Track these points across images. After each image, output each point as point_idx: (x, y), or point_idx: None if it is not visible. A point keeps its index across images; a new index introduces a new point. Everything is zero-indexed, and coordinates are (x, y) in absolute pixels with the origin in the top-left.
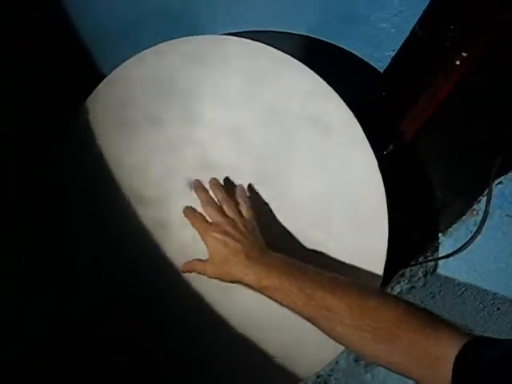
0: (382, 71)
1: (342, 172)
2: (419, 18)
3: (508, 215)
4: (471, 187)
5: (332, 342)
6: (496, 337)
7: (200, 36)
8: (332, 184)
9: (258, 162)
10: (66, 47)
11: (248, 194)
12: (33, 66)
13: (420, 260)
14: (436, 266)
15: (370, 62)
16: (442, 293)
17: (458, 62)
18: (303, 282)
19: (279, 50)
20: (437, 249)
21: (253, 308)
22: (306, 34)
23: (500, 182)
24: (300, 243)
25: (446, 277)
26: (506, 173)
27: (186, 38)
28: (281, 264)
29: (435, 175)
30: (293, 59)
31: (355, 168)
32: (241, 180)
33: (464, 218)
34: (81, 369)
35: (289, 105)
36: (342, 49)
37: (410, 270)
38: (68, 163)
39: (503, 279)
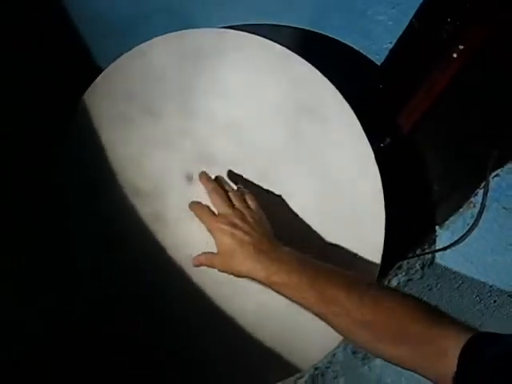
0: (379, 64)
1: (339, 165)
2: (416, 11)
3: (505, 208)
4: (468, 180)
5: (330, 334)
6: (493, 329)
7: (197, 29)
8: (329, 177)
9: (255, 155)
10: (66, 46)
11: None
12: (33, 66)
13: (417, 252)
14: (433, 259)
15: (368, 55)
16: (439, 285)
17: (454, 55)
18: (314, 278)
19: (276, 42)
20: (434, 241)
21: (251, 301)
22: (303, 27)
23: (497, 175)
24: (298, 236)
25: (443, 269)
26: (502, 165)
27: (184, 31)
28: (292, 259)
29: (432, 168)
30: (290, 52)
31: (352, 161)
32: (238, 172)
33: (461, 210)
34: (81, 369)
35: (286, 98)
36: (339, 41)
37: (408, 263)
38: (66, 158)
39: (500, 272)
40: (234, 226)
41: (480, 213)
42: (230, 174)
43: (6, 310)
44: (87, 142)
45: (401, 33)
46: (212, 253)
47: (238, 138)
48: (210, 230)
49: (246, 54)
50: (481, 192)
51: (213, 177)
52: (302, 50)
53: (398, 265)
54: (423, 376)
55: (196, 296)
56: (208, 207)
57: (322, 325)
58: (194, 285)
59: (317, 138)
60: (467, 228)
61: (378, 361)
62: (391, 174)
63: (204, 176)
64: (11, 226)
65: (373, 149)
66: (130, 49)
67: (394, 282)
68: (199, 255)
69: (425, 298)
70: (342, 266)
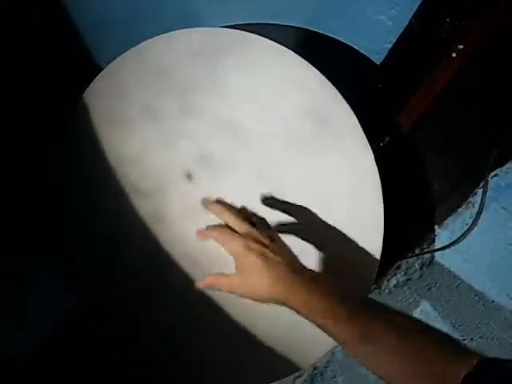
0: (378, 63)
1: (339, 164)
2: (416, 11)
3: (504, 208)
4: (467, 180)
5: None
6: (491, 328)
7: (197, 28)
8: (328, 176)
9: (254, 155)
10: (66, 46)
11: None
12: (33, 66)
13: (416, 252)
14: (432, 258)
15: (367, 55)
16: (437, 285)
17: (454, 55)
18: (353, 308)
19: (276, 42)
20: (433, 241)
21: (250, 301)
22: (303, 27)
23: (496, 175)
24: (297, 236)
25: (442, 269)
26: (501, 165)
27: (183, 30)
28: (328, 283)
29: (431, 168)
30: (290, 52)
31: (351, 160)
32: (238, 172)
33: (460, 210)
34: (81, 368)
35: (286, 97)
36: (338, 41)
37: (407, 262)
38: (66, 158)
39: (499, 271)
40: (263, 244)
41: (479, 213)
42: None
43: (5, 310)
44: (87, 142)
45: (400, 33)
46: (225, 274)
47: (238, 138)
48: (232, 251)
49: (246, 53)
50: (480, 192)
51: (214, 178)
52: (301, 50)
53: (397, 264)
54: None
55: (195, 295)
56: (228, 227)
57: None
58: (193, 282)
59: (316, 138)
60: (466, 228)
61: None
62: (390, 174)
63: (208, 201)
64: (11, 226)
65: (372, 148)
66: (129, 48)
67: (393, 282)
68: (209, 277)
69: (424, 298)
70: (342, 265)
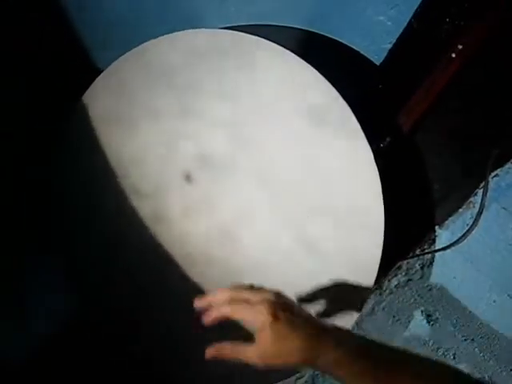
0: (378, 64)
1: (338, 165)
2: (415, 11)
3: (504, 208)
4: (467, 180)
5: None
6: (492, 328)
7: (197, 30)
8: (328, 177)
9: (254, 155)
10: (66, 46)
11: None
12: (33, 66)
13: (417, 253)
14: (433, 259)
15: (367, 55)
16: (438, 285)
17: (453, 55)
18: (378, 362)
19: (276, 43)
20: (434, 241)
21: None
22: (303, 28)
23: (496, 175)
24: (296, 236)
25: (442, 269)
26: (502, 165)
27: (183, 31)
28: (348, 334)
29: (432, 168)
30: (289, 52)
31: (351, 161)
32: (237, 173)
33: (460, 210)
34: (81, 369)
35: (285, 98)
36: (338, 42)
37: (407, 263)
38: (66, 158)
39: (500, 271)
40: (285, 308)
41: (479, 213)
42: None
43: (6, 310)
44: (87, 142)
45: (400, 33)
46: (242, 343)
47: (237, 138)
48: (258, 323)
49: (247, 54)
50: (480, 192)
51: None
52: (301, 51)
53: (397, 265)
54: None
55: (195, 295)
56: (244, 300)
57: None
58: (194, 284)
59: (316, 138)
60: (467, 228)
61: None
62: (391, 174)
63: (212, 294)
64: (11, 226)
65: (372, 149)
66: (129, 49)
67: (394, 282)
68: (222, 346)
69: (424, 299)
70: (342, 266)
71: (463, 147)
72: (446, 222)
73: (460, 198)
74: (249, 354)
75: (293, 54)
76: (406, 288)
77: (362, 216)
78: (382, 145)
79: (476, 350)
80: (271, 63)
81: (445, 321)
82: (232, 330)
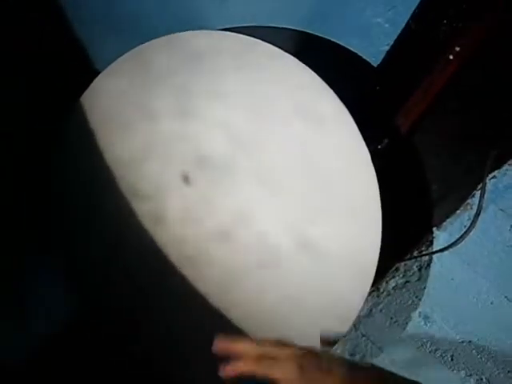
0: (376, 65)
1: (336, 166)
2: (413, 13)
3: (502, 209)
4: (465, 181)
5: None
6: (489, 330)
7: (195, 31)
8: (325, 178)
9: (251, 157)
10: (65, 46)
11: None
12: (33, 66)
13: (414, 254)
14: (430, 261)
15: (364, 57)
16: (436, 287)
17: (451, 57)
18: None
19: (274, 44)
20: (431, 243)
21: (250, 303)
22: (301, 29)
23: (494, 177)
24: (295, 236)
25: (440, 271)
26: (499, 167)
27: (182, 33)
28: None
29: (429, 169)
30: (287, 54)
31: (349, 162)
32: (236, 174)
33: (458, 212)
34: (81, 368)
35: (282, 99)
36: (335, 43)
37: (405, 265)
38: (65, 159)
39: (497, 273)
40: (311, 365)
41: (477, 214)
42: None
43: (6, 310)
44: (86, 143)
45: (398, 35)
46: None
47: (236, 139)
48: (285, 377)
49: (244, 56)
50: (478, 194)
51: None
52: (299, 52)
53: (395, 267)
54: None
55: (195, 296)
56: (271, 357)
57: (319, 327)
58: (193, 285)
59: (313, 140)
60: (464, 230)
61: (376, 362)
62: (388, 176)
63: (237, 343)
64: (11, 225)
65: (370, 150)
66: (128, 50)
67: (391, 284)
68: None
69: (422, 300)
70: (339, 267)
71: (461, 148)
72: (444, 223)
73: (457, 200)
74: None
75: (291, 56)
76: (404, 290)
77: (360, 217)
78: (379, 146)
79: (474, 351)
80: (269, 64)
81: (442, 322)
82: None
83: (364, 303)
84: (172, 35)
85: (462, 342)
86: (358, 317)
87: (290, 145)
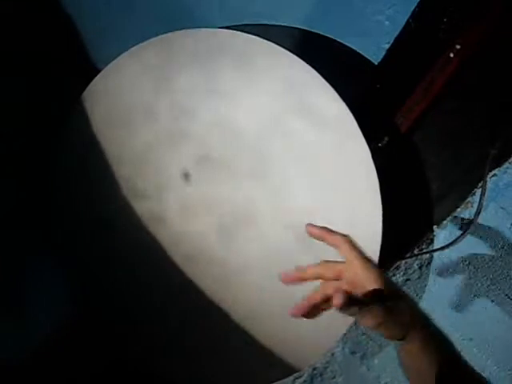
0: (376, 63)
1: (336, 164)
2: (413, 11)
3: (502, 207)
4: (465, 180)
5: (328, 334)
6: (490, 329)
7: (195, 29)
8: (325, 177)
9: (252, 155)
10: (65, 46)
11: None
12: (33, 66)
13: (415, 252)
14: (431, 259)
15: (365, 55)
16: (436, 285)
17: (451, 55)
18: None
19: (274, 42)
20: (432, 241)
21: (250, 301)
22: (301, 27)
23: (494, 175)
24: (295, 235)
25: (440, 269)
26: (500, 165)
27: (182, 31)
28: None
29: (430, 167)
30: (287, 52)
31: (349, 160)
32: (236, 173)
33: (459, 210)
34: (80, 368)
35: (283, 97)
36: (336, 41)
37: (405, 263)
38: (65, 158)
39: (497, 271)
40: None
41: (477, 213)
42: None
43: (6, 310)
44: (86, 142)
45: (398, 33)
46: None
47: (235, 137)
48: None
49: (244, 54)
50: (478, 192)
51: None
52: (299, 50)
53: (395, 265)
54: None
55: (194, 295)
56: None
57: (320, 325)
58: (193, 283)
59: (314, 138)
60: (465, 228)
61: (377, 360)
62: (388, 174)
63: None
64: (11, 225)
65: (370, 148)
66: (127, 49)
67: None
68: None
69: (422, 298)
70: None
71: (461, 147)
72: (444, 221)
73: (458, 198)
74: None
75: (291, 54)
76: (405, 288)
77: (360, 216)
78: (379, 144)
79: (474, 349)
80: (269, 62)
81: (443, 320)
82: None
83: None
84: (172, 33)
85: (463, 340)
86: None
87: (290, 143)
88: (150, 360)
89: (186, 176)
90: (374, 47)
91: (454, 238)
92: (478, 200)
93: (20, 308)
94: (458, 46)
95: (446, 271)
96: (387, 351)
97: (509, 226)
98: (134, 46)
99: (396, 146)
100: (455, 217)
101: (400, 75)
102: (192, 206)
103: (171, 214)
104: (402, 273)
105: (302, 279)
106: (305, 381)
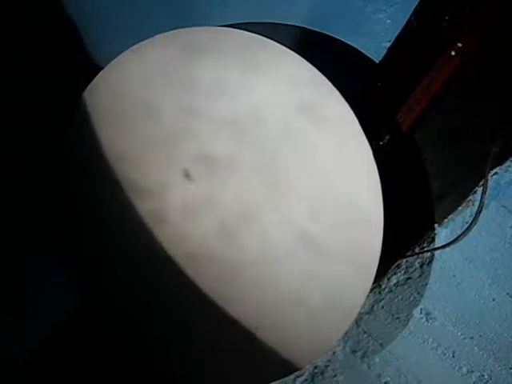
0: (377, 62)
1: (338, 163)
2: (414, 9)
3: (504, 206)
4: (467, 178)
5: (329, 333)
6: (491, 327)
7: (197, 27)
8: (327, 175)
9: (254, 153)
10: (66, 45)
11: None
12: (33, 66)
13: (416, 251)
14: (432, 257)
15: (366, 53)
16: (438, 284)
17: (453, 53)
18: None
19: (275, 41)
20: (433, 240)
21: (251, 299)
22: (302, 25)
23: (496, 173)
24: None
25: (442, 268)
26: (501, 163)
27: (183, 29)
28: None
29: (431, 166)
30: (289, 50)
31: (351, 159)
32: (237, 171)
33: (460, 208)
34: (80, 368)
35: (284, 96)
36: (337, 40)
37: (407, 261)
38: (66, 157)
39: (499, 270)
40: None
41: (479, 211)
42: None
43: (6, 310)
44: (87, 141)
45: (399, 31)
46: None
47: (237, 136)
48: None
49: (246, 52)
50: (479, 190)
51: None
52: (300, 48)
53: (396, 263)
54: None
55: (195, 293)
56: None
57: (321, 323)
58: (194, 282)
59: (315, 136)
60: (466, 226)
61: (378, 359)
62: (390, 172)
63: None
64: (11, 225)
65: (371, 147)
66: (128, 47)
67: (393, 281)
68: None
69: (424, 297)
70: (341, 264)
71: (463, 145)
72: (446, 220)
73: (459, 196)
74: None
75: (292, 52)
76: (406, 286)
77: (361, 214)
78: (381, 142)
79: (475, 348)
80: (271, 61)
81: (444, 319)
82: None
83: (365, 300)
84: (174, 31)
85: (464, 338)
86: (360, 313)
87: (292, 141)
88: (150, 360)
89: (188, 175)
90: (375, 46)
91: (455, 237)
92: (479, 198)
93: (20, 308)
94: (460, 45)
95: (447, 270)
96: (388, 350)
97: (510, 224)
98: (134, 44)
99: (397, 144)
100: (456, 215)
101: (401, 74)
102: (194, 206)
103: (173, 213)
104: (403, 271)
105: None
106: (306, 379)
